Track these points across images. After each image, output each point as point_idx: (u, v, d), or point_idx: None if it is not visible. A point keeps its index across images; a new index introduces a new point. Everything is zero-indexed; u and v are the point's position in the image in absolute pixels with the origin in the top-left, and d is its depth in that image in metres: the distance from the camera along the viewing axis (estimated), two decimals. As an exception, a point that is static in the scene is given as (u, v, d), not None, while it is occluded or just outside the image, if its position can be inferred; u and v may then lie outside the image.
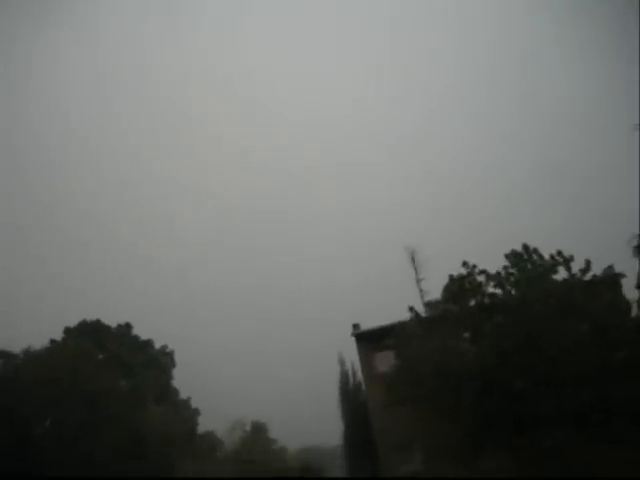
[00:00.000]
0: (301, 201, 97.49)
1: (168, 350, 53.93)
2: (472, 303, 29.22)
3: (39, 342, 44.73)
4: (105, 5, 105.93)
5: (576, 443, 25.09)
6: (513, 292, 28.83)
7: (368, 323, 35.45)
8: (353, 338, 35.47)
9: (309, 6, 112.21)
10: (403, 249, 36.58)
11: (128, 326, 52.56)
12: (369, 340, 34.85)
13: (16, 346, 43.84)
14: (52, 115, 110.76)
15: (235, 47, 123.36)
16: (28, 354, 43.81)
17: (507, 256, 29.42)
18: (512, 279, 28.85)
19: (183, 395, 53.66)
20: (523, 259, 29.17)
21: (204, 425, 53.38)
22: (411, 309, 30.52)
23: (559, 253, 28.65)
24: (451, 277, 29.80)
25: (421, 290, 34.97)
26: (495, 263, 29.52)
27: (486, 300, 29.12)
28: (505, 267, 29.24)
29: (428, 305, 33.30)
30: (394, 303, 34.88)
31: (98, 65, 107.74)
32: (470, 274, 29.36)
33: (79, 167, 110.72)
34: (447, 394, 26.55)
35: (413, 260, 36.31)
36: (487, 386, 25.86)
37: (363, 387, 37.55)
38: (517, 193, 76.17)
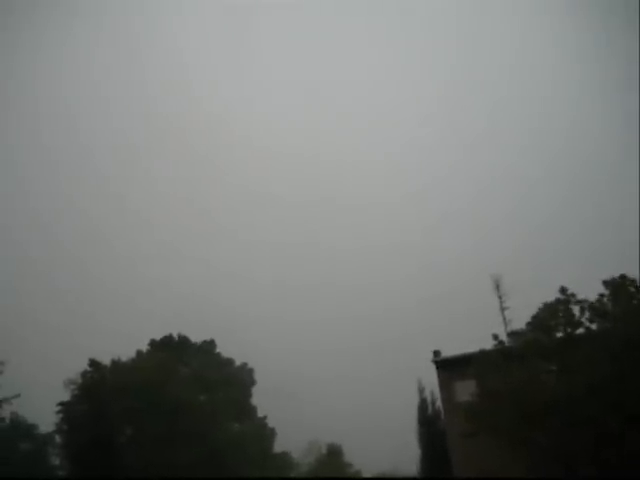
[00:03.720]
0: (380, 226, 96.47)
1: (248, 368, 54.42)
2: (561, 333, 27.78)
3: (129, 353, 46.67)
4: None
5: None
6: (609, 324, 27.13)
7: (449, 350, 34.53)
8: (433, 365, 34.61)
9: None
10: (488, 277, 35.37)
11: (212, 343, 53.56)
12: (450, 368, 33.84)
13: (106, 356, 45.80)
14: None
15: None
16: (116, 364, 45.49)
17: (605, 283, 27.87)
18: (616, 310, 27.15)
19: (261, 413, 53.87)
20: (622, 289, 27.52)
21: (280, 445, 53.34)
22: (495, 337, 29.52)
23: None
24: (545, 304, 28.56)
25: (505, 318, 33.59)
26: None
27: (579, 331, 27.60)
28: (601, 295, 27.69)
29: (512, 334, 31.89)
30: (476, 331, 33.71)
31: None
32: (565, 301, 28.05)
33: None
34: (528, 426, 25.26)
35: (498, 288, 34.97)
36: (572, 421, 24.39)
37: (442, 415, 36.45)
38: (609, 219, 71.95)
